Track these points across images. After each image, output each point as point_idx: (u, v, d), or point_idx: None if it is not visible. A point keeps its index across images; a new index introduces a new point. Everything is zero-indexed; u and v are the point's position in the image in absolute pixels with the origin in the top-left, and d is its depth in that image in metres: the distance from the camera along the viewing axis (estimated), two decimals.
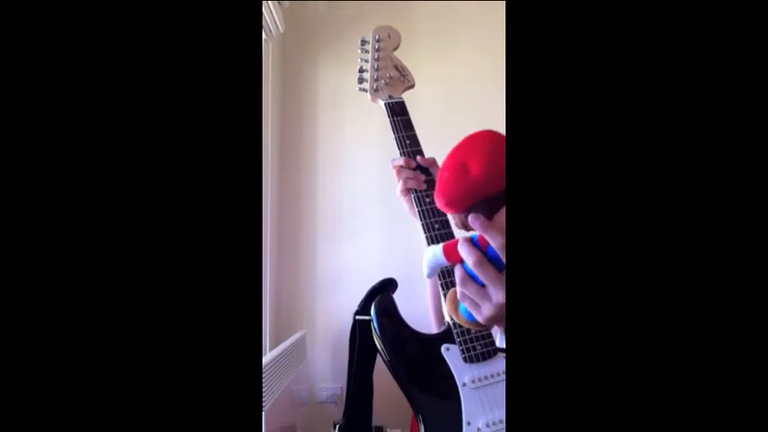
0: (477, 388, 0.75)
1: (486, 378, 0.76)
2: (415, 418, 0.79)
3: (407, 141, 0.94)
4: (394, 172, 0.92)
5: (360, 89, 1.00)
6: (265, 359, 1.57)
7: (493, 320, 0.55)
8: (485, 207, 0.56)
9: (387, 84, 1.00)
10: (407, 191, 0.89)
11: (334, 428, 2.09)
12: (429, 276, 0.61)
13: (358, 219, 2.21)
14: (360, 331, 0.82)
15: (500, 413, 0.74)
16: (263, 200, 1.95)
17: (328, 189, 2.25)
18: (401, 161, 0.91)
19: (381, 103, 0.98)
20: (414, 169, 0.90)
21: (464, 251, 0.55)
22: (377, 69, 1.01)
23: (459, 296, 0.58)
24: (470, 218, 0.55)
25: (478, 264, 0.54)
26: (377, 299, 0.82)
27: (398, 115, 0.97)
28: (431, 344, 0.78)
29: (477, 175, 0.54)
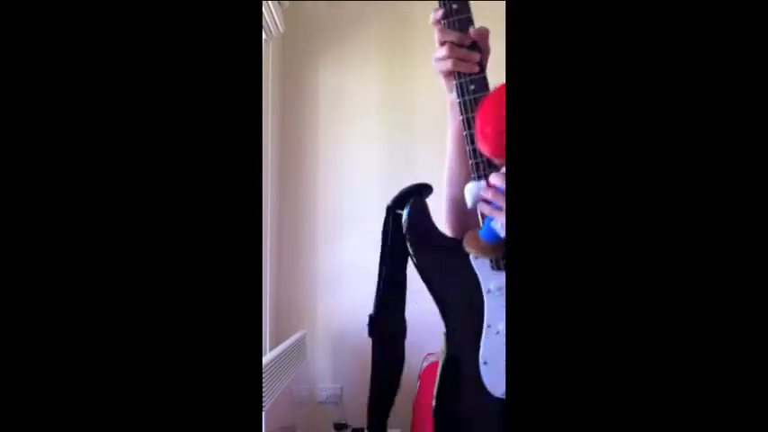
0: (501, 295, 0.77)
1: None
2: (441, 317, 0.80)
3: (455, 6, 0.78)
4: (438, 43, 0.77)
5: None
6: (265, 359, 1.58)
7: None
8: None
9: None
10: (452, 73, 0.77)
11: (334, 428, 2.09)
12: (472, 206, 0.73)
13: (358, 219, 2.21)
14: (393, 223, 0.82)
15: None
16: (263, 200, 1.95)
17: (328, 189, 2.25)
18: (455, 36, 0.76)
19: None
20: (467, 47, 0.77)
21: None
22: None
23: (491, 195, 0.70)
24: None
25: None
26: (413, 198, 0.81)
27: None
28: (460, 249, 0.78)
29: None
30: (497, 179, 0.71)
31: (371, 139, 2.24)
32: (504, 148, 0.68)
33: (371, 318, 0.87)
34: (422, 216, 0.81)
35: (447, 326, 0.81)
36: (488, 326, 0.78)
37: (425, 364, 2.10)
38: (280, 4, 2.10)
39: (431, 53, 0.79)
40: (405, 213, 0.81)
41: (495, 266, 0.77)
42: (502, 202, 0.70)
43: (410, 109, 2.20)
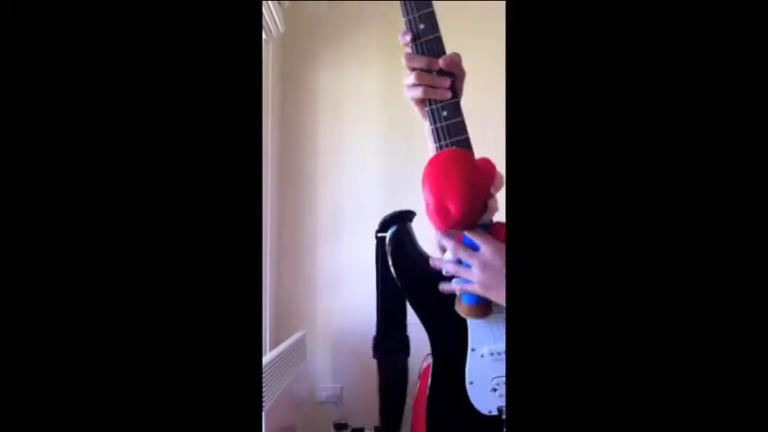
0: (484, 320, 0.79)
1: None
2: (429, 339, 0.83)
3: (421, 26, 0.71)
4: (406, 69, 0.73)
5: None
6: (265, 359, 1.58)
7: (487, 277, 0.71)
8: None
9: None
10: (423, 100, 0.74)
11: (334, 428, 2.09)
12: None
13: (358, 218, 2.21)
14: (380, 248, 0.85)
15: (503, 344, 0.79)
16: (264, 200, 1.95)
17: (328, 189, 2.25)
18: (423, 62, 0.71)
19: None
20: (437, 72, 0.72)
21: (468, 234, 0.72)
22: None
23: (452, 270, 0.74)
24: (443, 240, 0.74)
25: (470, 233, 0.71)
26: (396, 225, 0.84)
27: None
28: (443, 277, 0.80)
29: (456, 215, 0.69)
30: (439, 263, 0.76)
31: (371, 139, 2.24)
32: (449, 222, 0.70)
33: (375, 339, 0.89)
34: (403, 239, 0.83)
35: (432, 344, 0.83)
36: (473, 349, 0.80)
37: (425, 364, 2.10)
38: (280, 4, 2.10)
39: None
40: (387, 237, 0.83)
41: None
42: (464, 274, 0.73)
43: (410, 109, 2.19)
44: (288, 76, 2.26)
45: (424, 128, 0.78)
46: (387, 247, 0.83)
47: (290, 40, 2.25)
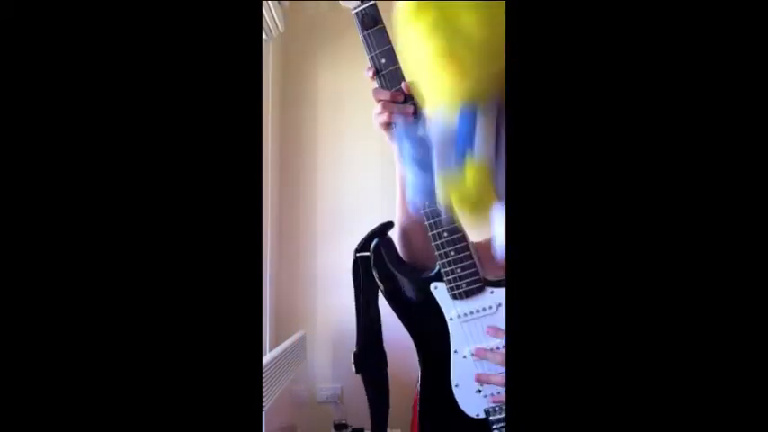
0: (463, 321, 0.83)
1: (471, 313, 0.82)
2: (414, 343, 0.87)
3: (383, 61, 0.82)
4: (376, 102, 0.84)
5: None
6: (265, 359, 1.57)
7: None
8: None
9: None
10: (389, 124, 0.83)
11: (334, 428, 2.09)
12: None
13: (358, 218, 2.21)
14: (361, 267, 0.89)
15: (484, 344, 0.83)
16: (264, 200, 1.95)
17: (328, 189, 2.25)
18: (387, 95, 0.82)
19: (351, 11, 0.83)
20: (401, 102, 0.81)
21: None
22: None
23: None
24: None
25: None
26: (377, 239, 0.88)
27: (368, 28, 0.80)
28: (422, 282, 0.85)
29: None
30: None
31: (371, 138, 2.24)
32: None
33: (356, 354, 0.92)
34: (385, 253, 0.87)
35: (419, 350, 0.86)
36: (455, 351, 0.82)
37: None
38: (280, 4, 2.09)
39: None
40: (371, 251, 0.87)
41: (455, 297, 0.82)
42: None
43: None
44: (288, 76, 2.26)
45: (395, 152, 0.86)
46: (372, 262, 0.87)
47: (290, 40, 2.25)
